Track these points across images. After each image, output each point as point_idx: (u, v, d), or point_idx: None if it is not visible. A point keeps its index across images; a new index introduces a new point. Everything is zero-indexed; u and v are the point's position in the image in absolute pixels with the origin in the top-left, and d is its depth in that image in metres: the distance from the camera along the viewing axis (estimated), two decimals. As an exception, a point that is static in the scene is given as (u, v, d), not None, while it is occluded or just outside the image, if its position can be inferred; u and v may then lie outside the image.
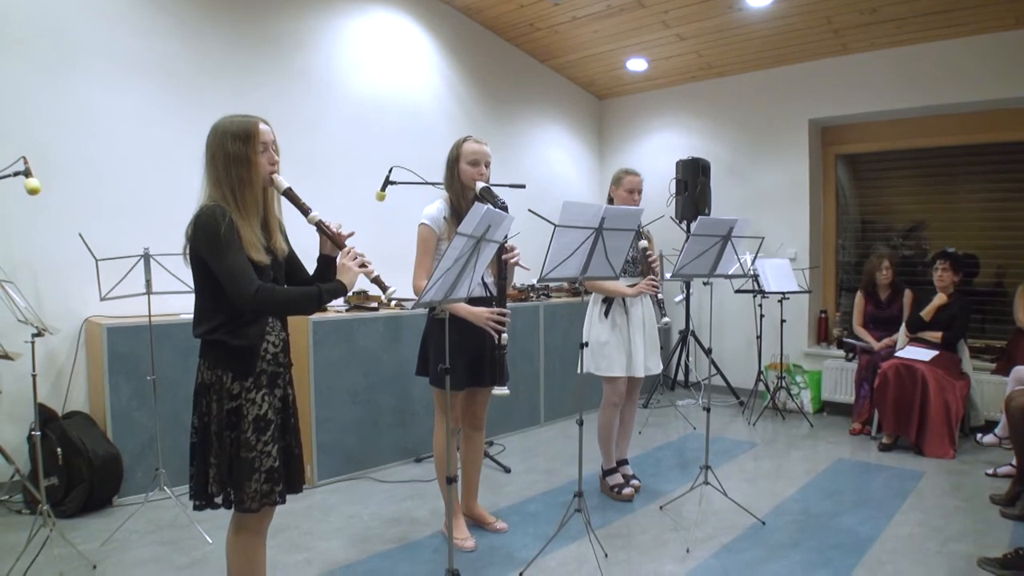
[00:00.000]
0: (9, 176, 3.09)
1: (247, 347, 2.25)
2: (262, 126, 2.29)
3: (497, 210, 2.39)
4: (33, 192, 3.09)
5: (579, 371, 3.80)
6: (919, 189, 6.57)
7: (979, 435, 5.30)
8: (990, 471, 4.55)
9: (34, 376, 3.34)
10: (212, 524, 3.60)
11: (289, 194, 2.33)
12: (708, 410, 4.02)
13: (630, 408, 4.29)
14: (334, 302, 4.80)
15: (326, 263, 2.47)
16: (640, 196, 4.11)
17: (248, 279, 2.15)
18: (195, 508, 2.33)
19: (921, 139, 6.38)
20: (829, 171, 6.94)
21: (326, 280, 2.38)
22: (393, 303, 4.97)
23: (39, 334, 3.25)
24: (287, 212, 2.44)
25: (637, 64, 7.07)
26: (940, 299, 5.37)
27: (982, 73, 5.70)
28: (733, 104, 7.19)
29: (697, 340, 6.91)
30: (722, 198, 7.02)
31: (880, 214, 6.86)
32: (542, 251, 2.92)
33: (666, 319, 4.01)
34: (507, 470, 4.76)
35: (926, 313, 5.40)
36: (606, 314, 4.02)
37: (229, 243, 2.14)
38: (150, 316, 3.84)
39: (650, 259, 4.00)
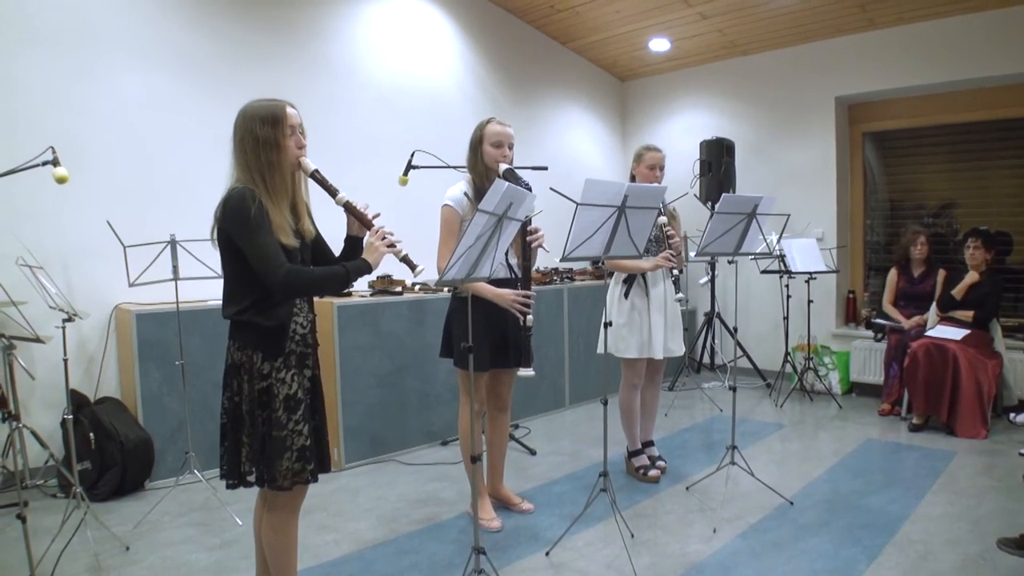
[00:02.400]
0: (37, 166, 3.12)
1: (277, 327, 2.28)
2: (289, 109, 2.30)
3: (518, 187, 2.37)
4: (61, 181, 3.12)
5: (598, 351, 3.79)
6: (949, 167, 6.44)
7: (1012, 415, 5.24)
8: (1023, 451, 4.48)
9: (65, 360, 3.42)
10: (242, 506, 3.65)
11: (317, 176, 2.35)
12: (734, 389, 4.00)
13: (653, 390, 4.27)
14: (359, 286, 4.87)
15: (353, 244, 2.49)
16: (662, 172, 4.07)
17: (278, 261, 2.17)
18: (228, 487, 2.35)
19: (950, 115, 6.25)
20: (856, 149, 6.84)
21: (352, 260, 2.39)
22: (417, 287, 4.98)
23: (69, 319, 3.31)
24: (313, 195, 2.46)
25: (659, 44, 7.01)
26: (972, 277, 5.29)
27: (1014, 45, 5.57)
28: (757, 83, 7.10)
29: (723, 322, 6.87)
30: (747, 178, 6.95)
31: (909, 192, 6.75)
32: (564, 232, 2.91)
33: (679, 295, 3.94)
34: (533, 452, 4.77)
35: (957, 291, 5.32)
36: (626, 295, 3.99)
37: (259, 225, 2.16)
38: (177, 302, 3.89)
39: (668, 234, 3.95)
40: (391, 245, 2.35)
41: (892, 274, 6.02)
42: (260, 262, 2.17)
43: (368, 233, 2.38)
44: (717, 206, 3.52)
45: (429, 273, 2.59)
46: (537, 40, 7.09)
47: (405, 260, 2.36)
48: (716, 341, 7.17)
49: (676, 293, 3.91)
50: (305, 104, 5.12)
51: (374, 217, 2.42)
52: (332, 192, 2.35)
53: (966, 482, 4.04)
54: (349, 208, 2.41)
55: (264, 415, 2.28)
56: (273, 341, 2.28)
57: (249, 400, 2.27)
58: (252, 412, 2.27)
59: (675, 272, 3.93)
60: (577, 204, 2.81)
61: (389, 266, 3.10)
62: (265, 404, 2.28)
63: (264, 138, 2.23)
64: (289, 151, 2.28)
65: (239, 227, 2.17)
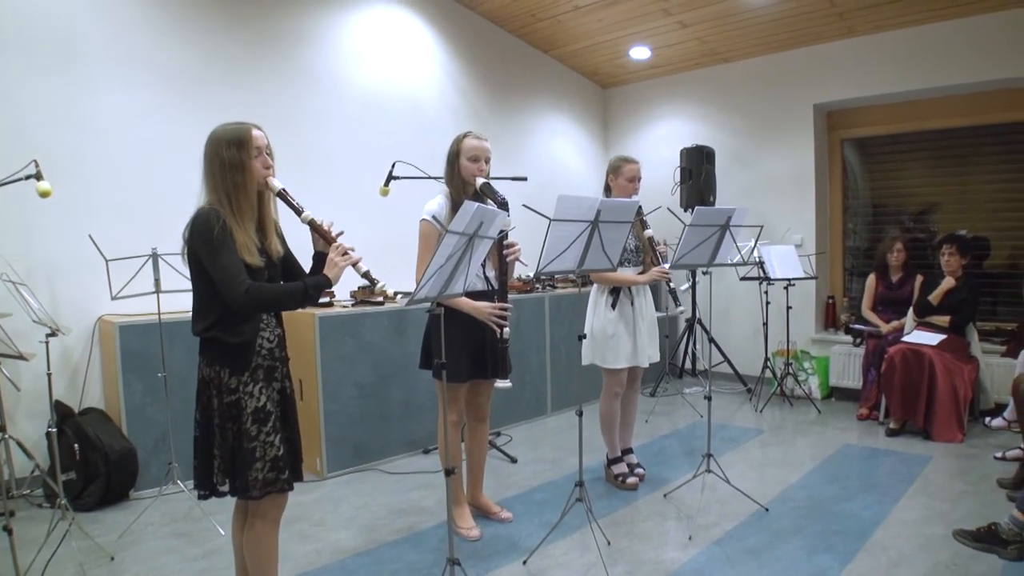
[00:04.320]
0: (21, 179, 3.17)
1: (242, 343, 2.35)
2: (255, 132, 2.36)
3: (488, 207, 2.43)
4: (44, 195, 3.17)
5: (584, 363, 3.84)
6: (931, 171, 6.52)
7: (988, 419, 5.30)
8: (999, 454, 4.55)
9: (49, 375, 3.46)
10: (225, 517, 3.64)
11: (283, 195, 2.42)
12: (709, 399, 4.06)
13: (632, 397, 4.31)
14: (339, 297, 4.91)
15: (321, 259, 2.55)
16: (639, 183, 4.13)
17: (239, 279, 2.24)
18: (200, 498, 2.43)
19: (930, 121, 6.34)
20: (835, 156, 6.91)
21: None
22: (399, 296, 5.01)
23: (53, 334, 3.35)
24: (286, 213, 2.51)
25: (640, 52, 7.07)
26: (948, 283, 5.36)
27: (992, 52, 5.65)
28: (737, 90, 7.17)
29: (704, 328, 6.94)
30: (727, 185, 7.03)
31: (892, 197, 6.83)
32: (542, 242, 2.94)
33: (680, 308, 4.01)
34: (513, 460, 4.81)
35: (934, 297, 5.38)
36: (613, 305, 4.03)
37: (222, 244, 2.23)
38: (159, 314, 3.92)
39: (659, 251, 4.01)
40: (354, 262, 2.42)
41: (871, 279, 6.10)
42: (222, 280, 2.24)
43: (330, 249, 2.44)
44: (691, 218, 3.57)
45: (406, 286, 2.63)
46: (519, 49, 7.13)
47: (366, 276, 2.44)
48: (697, 347, 7.23)
49: (676, 307, 3.97)
50: (288, 115, 5.23)
51: (338, 235, 2.48)
52: (297, 210, 2.43)
53: (941, 486, 4.10)
54: (313, 226, 2.48)
55: (234, 428, 2.35)
56: (239, 357, 2.35)
57: (219, 414, 2.35)
58: (222, 425, 2.35)
59: (671, 284, 4.00)
60: (550, 220, 2.85)
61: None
62: (234, 417, 2.35)
63: (230, 160, 2.30)
64: (255, 172, 2.35)
65: (203, 247, 2.24)
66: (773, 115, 6.91)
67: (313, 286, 2.37)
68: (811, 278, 6.30)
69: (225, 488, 2.39)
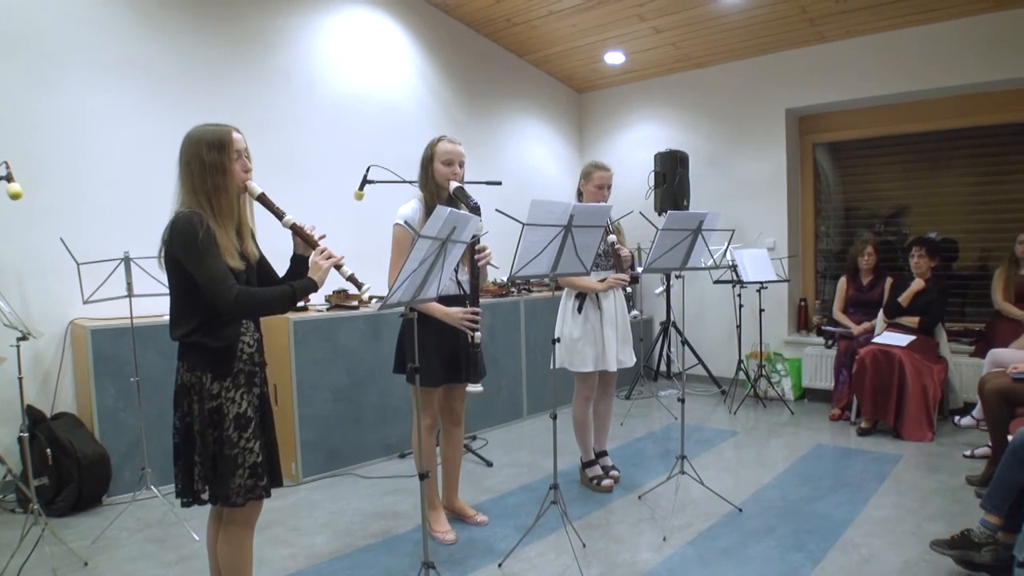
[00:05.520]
0: (-9, 181, 3.15)
1: (225, 348, 2.32)
2: (235, 134, 2.35)
3: (461, 212, 2.44)
4: (15, 197, 3.15)
5: (551, 367, 3.85)
6: (902, 175, 6.62)
7: (957, 417, 5.38)
8: (968, 452, 4.64)
9: (20, 379, 3.42)
10: (199, 522, 3.65)
11: (263, 199, 2.40)
12: (682, 401, 4.09)
13: (606, 401, 4.33)
14: (315, 301, 4.90)
15: (299, 263, 2.54)
16: (609, 191, 4.14)
17: (227, 283, 2.21)
18: (183, 505, 2.40)
19: (900, 126, 6.44)
20: (807, 160, 7.00)
21: (298, 279, 2.45)
22: (374, 300, 5.01)
23: (24, 338, 3.31)
24: (259, 213, 2.51)
25: (614, 57, 7.11)
26: (917, 284, 5.45)
27: (960, 58, 5.75)
28: (710, 95, 7.23)
29: (678, 331, 6.99)
30: (700, 189, 7.08)
31: (863, 201, 6.92)
32: (515, 246, 2.96)
33: (635, 312, 4.03)
34: (489, 464, 4.82)
35: (903, 299, 5.47)
36: (579, 310, 4.05)
37: (208, 249, 2.21)
38: (132, 318, 3.90)
39: (620, 252, 4.03)
40: (338, 266, 2.42)
41: (842, 282, 6.18)
42: (210, 285, 2.21)
43: (313, 253, 2.44)
44: (663, 223, 3.60)
45: (380, 290, 2.64)
46: (494, 53, 7.15)
47: (351, 279, 2.43)
48: (672, 350, 7.28)
49: (631, 310, 3.99)
50: (263, 118, 5.21)
51: (320, 238, 2.48)
52: (279, 214, 2.41)
53: (911, 484, 4.17)
54: (296, 229, 2.47)
55: (215, 434, 2.33)
56: (221, 361, 2.32)
57: (200, 420, 2.31)
58: (203, 432, 2.32)
59: (628, 289, 4.03)
60: (523, 224, 2.87)
61: (344, 281, 3.14)
62: (216, 423, 2.32)
63: (211, 162, 2.27)
64: (235, 175, 2.34)
65: (187, 251, 2.21)
66: (746, 120, 6.97)
67: (300, 289, 2.37)
68: (783, 281, 6.37)
69: (206, 496, 2.37)
